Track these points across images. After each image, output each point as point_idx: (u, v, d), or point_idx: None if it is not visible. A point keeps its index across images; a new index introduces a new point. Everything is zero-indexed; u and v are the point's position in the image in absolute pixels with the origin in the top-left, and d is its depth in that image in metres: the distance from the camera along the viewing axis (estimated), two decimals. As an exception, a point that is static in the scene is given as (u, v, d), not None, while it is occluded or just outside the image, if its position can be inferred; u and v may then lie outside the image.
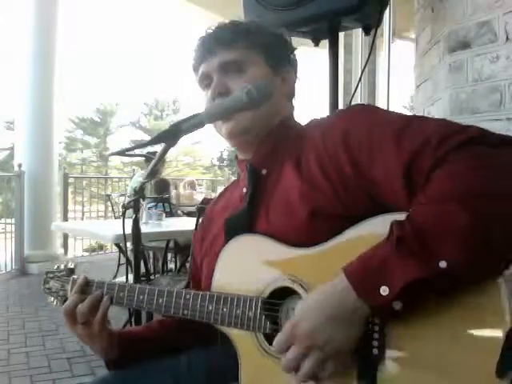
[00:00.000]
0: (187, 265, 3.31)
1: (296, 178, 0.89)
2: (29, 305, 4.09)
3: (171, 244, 3.99)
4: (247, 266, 0.89)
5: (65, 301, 1.05)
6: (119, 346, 1.02)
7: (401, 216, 0.71)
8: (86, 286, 1.02)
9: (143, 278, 3.17)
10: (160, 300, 0.94)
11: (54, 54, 5.68)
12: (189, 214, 5.04)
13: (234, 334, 0.88)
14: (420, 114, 2.06)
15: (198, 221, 2.87)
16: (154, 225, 3.52)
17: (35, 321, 3.65)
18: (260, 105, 0.94)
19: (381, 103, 4.28)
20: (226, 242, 0.93)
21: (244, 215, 0.95)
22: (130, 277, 1.01)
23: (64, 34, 6.00)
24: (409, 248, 0.66)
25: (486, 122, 1.54)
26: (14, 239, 5.51)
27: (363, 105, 0.95)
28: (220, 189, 11.27)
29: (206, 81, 1.01)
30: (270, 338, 0.83)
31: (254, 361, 0.86)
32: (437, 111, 1.83)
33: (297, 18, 1.57)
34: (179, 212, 5.04)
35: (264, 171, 0.98)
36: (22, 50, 5.54)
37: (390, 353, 0.71)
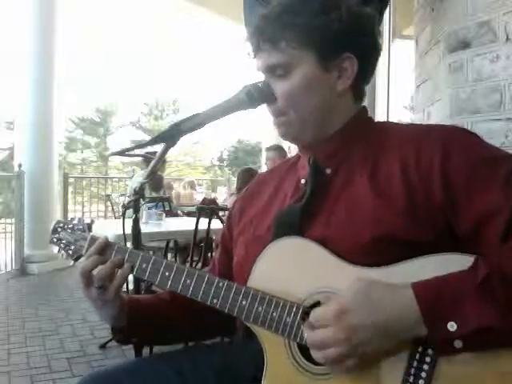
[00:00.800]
0: (187, 265, 3.31)
1: (370, 189, 0.82)
2: (29, 305, 4.09)
3: (171, 244, 3.99)
4: (292, 270, 0.83)
5: (77, 257, 1.01)
6: (128, 316, 0.98)
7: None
8: (106, 249, 0.97)
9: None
10: (188, 281, 0.89)
11: (54, 54, 5.67)
12: (189, 214, 5.04)
13: (265, 335, 0.83)
14: (420, 114, 2.06)
15: (198, 221, 2.87)
16: (154, 225, 3.52)
17: (35, 321, 3.64)
18: (260, 105, 0.93)
19: (381, 103, 4.28)
20: (273, 235, 0.88)
21: (299, 212, 0.88)
22: (130, 277, 1.00)
23: (64, 34, 6.00)
24: (492, 292, 0.64)
25: (486, 122, 1.54)
26: (13, 239, 5.51)
27: (466, 129, 0.87)
28: (220, 189, 11.26)
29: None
30: (303, 349, 0.79)
31: (282, 368, 0.82)
32: (437, 111, 1.83)
33: (297, 18, 1.56)
34: (179, 212, 5.04)
35: (328, 170, 0.91)
36: (22, 50, 5.54)
37: None
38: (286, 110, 0.90)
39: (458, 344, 0.65)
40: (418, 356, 0.70)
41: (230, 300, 0.85)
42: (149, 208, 4.04)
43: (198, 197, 7.59)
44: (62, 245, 1.07)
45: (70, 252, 1.05)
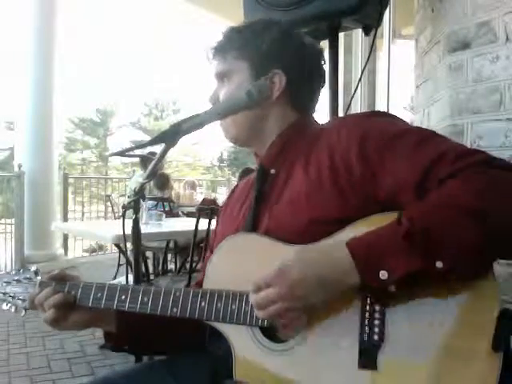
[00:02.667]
0: (187, 265, 3.31)
1: (304, 177, 0.91)
2: (29, 305, 4.08)
3: (171, 244, 3.99)
4: (241, 263, 0.90)
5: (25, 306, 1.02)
6: (117, 319, 1.00)
7: (394, 215, 0.75)
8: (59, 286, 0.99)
9: (143, 279, 3.17)
10: (145, 298, 0.92)
11: (54, 54, 5.68)
12: (189, 215, 5.04)
13: (229, 329, 0.88)
14: (420, 114, 2.06)
15: (198, 221, 2.88)
16: (154, 225, 3.52)
17: (35, 321, 3.64)
18: (260, 105, 0.95)
19: (381, 103, 4.28)
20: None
21: (250, 214, 0.98)
22: (130, 277, 1.00)
23: (64, 34, 6.00)
24: (415, 242, 0.70)
25: (486, 122, 1.54)
26: (13, 239, 5.51)
27: (385, 112, 0.96)
28: (220, 189, 11.28)
29: None
30: (265, 332, 0.85)
31: (250, 355, 0.86)
32: (436, 111, 1.83)
33: (297, 19, 1.57)
34: (179, 212, 5.04)
35: (273, 171, 1.00)
36: (22, 50, 5.54)
37: (390, 338, 0.74)
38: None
39: (391, 288, 0.72)
40: (368, 307, 0.76)
41: (190, 305, 0.89)
42: (149, 208, 4.03)
43: (199, 197, 7.59)
44: (9, 298, 1.05)
45: (20, 302, 1.04)
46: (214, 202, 4.87)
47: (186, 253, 3.87)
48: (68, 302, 0.96)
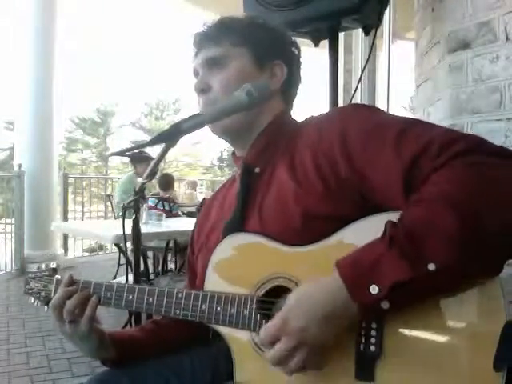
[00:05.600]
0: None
1: (290, 178, 0.89)
2: (29, 305, 4.05)
3: (171, 244, 3.99)
4: (240, 264, 0.89)
5: (48, 301, 1.04)
6: (114, 347, 1.00)
7: (394, 215, 0.72)
8: (72, 285, 1.01)
9: (143, 279, 3.17)
10: (150, 299, 0.93)
11: (54, 54, 5.68)
12: (189, 214, 5.04)
13: (228, 333, 0.88)
14: (420, 114, 2.06)
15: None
16: (154, 225, 3.52)
17: (35, 321, 3.64)
18: (259, 105, 0.94)
19: (381, 103, 4.28)
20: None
21: (236, 215, 0.95)
22: (130, 277, 1.00)
23: (64, 34, 6.00)
24: (400, 248, 0.66)
25: (486, 122, 1.54)
26: (14, 239, 5.51)
27: (364, 104, 0.94)
28: (220, 189, 11.26)
29: (196, 77, 1.03)
30: None
31: (249, 359, 0.86)
32: (437, 111, 1.83)
33: (297, 19, 1.57)
34: (179, 212, 5.04)
35: (257, 169, 0.98)
36: (22, 50, 5.54)
37: (387, 350, 0.72)
38: (218, 99, 0.97)
39: (385, 305, 0.67)
40: (364, 325, 0.73)
41: (191, 307, 0.89)
42: (149, 208, 4.03)
43: (199, 197, 7.59)
44: (34, 294, 1.13)
45: (41, 298, 1.10)
46: (214, 202, 4.86)
47: (186, 253, 3.87)
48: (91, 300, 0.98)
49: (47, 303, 1.06)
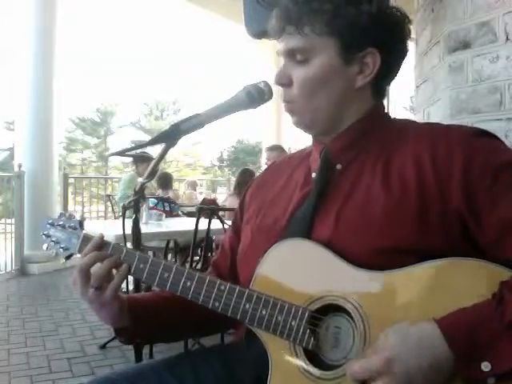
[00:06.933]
0: (187, 265, 3.31)
1: (381, 188, 0.81)
2: (29, 305, 4.09)
3: (171, 244, 3.99)
4: (296, 272, 0.82)
5: (68, 256, 0.98)
6: (130, 314, 0.95)
7: (500, 272, 0.68)
8: (103, 247, 0.93)
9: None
10: (188, 283, 0.86)
11: (54, 54, 5.67)
12: (189, 214, 5.04)
13: (269, 339, 0.81)
14: (420, 114, 2.06)
15: (198, 221, 2.87)
16: (154, 225, 3.52)
17: (35, 321, 3.64)
18: (259, 105, 0.93)
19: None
20: (285, 229, 0.88)
21: (312, 210, 0.86)
22: (130, 277, 1.00)
23: (64, 34, 6.00)
24: None
25: (486, 122, 1.54)
26: (13, 239, 5.51)
27: (487, 131, 0.84)
28: (220, 189, 11.27)
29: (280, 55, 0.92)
30: (308, 353, 0.78)
31: (287, 373, 0.80)
32: (436, 111, 1.83)
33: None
34: (179, 213, 5.04)
35: (339, 166, 0.89)
36: (22, 50, 5.54)
37: None
38: (297, 97, 0.88)
39: (491, 380, 0.65)
40: None
41: (233, 303, 0.83)
42: (150, 206, 4.03)
43: (199, 197, 7.59)
44: (52, 242, 1.03)
45: (61, 250, 1.01)
46: (214, 201, 4.88)
47: (186, 253, 3.87)
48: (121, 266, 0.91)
49: (68, 257, 1.00)
